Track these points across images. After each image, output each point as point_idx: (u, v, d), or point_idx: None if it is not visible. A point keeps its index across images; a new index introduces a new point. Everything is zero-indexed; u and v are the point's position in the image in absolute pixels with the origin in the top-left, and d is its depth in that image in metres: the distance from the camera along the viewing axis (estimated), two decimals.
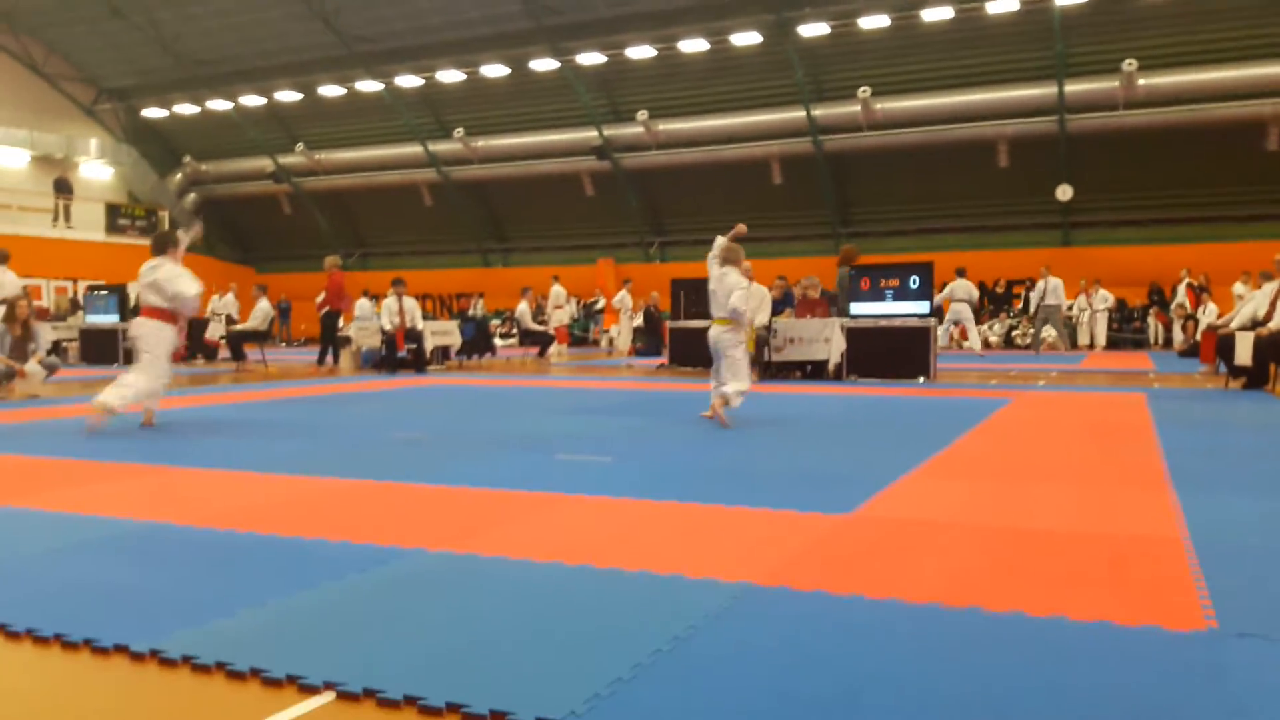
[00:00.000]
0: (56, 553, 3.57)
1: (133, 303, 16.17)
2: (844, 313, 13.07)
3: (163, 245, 8.12)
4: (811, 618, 2.73)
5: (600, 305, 26.95)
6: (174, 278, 7.85)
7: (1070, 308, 22.69)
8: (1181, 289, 20.94)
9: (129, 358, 17.56)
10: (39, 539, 3.79)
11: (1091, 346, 22.06)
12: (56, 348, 18.16)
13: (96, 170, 32.51)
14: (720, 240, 8.24)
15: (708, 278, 8.40)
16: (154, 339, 7.75)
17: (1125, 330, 22.97)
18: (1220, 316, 14.08)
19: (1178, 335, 20.53)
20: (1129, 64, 21.05)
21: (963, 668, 2.34)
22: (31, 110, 30.03)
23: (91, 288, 20.80)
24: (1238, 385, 10.83)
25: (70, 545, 3.68)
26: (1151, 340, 22.44)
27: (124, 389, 7.45)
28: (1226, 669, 2.35)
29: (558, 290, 22.98)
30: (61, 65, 30.99)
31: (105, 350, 17.97)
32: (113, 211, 30.57)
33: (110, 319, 18.18)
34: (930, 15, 21.71)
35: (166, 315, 7.90)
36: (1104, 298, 21.87)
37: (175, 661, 2.41)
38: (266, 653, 2.44)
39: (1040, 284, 19.78)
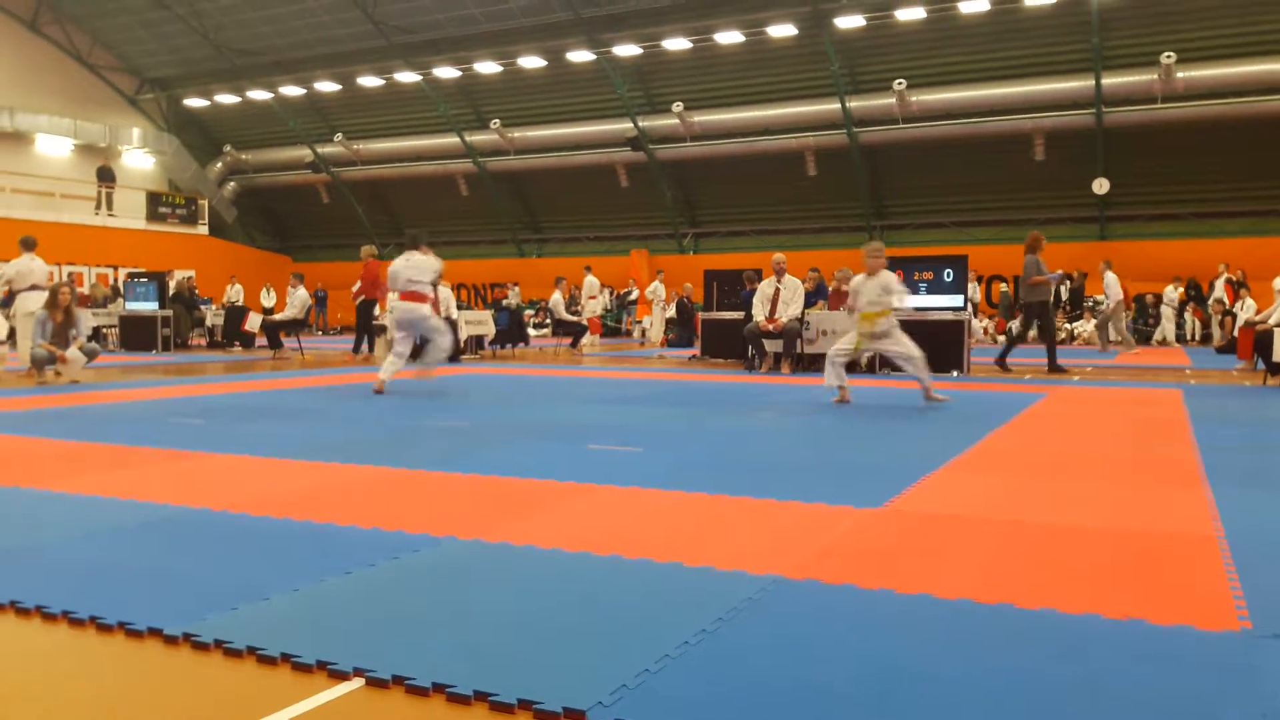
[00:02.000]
0: (93, 536, 3.63)
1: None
2: (1021, 302, 12.87)
3: (415, 241, 10.01)
4: (840, 612, 2.72)
5: (634, 296, 26.98)
6: (423, 267, 9.82)
7: (1103, 303, 22.39)
8: (1220, 284, 20.61)
9: (166, 344, 17.93)
10: (76, 522, 3.86)
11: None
12: (97, 334, 18.45)
13: (138, 159, 32.96)
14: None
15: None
16: (423, 314, 9.75)
17: (1138, 323, 22.64)
18: (1259, 313, 13.84)
19: (1215, 331, 20.21)
20: (1167, 56, 20.74)
21: (993, 664, 2.33)
22: (76, 100, 30.50)
23: (132, 275, 21.10)
24: (1276, 382, 10.66)
25: (106, 529, 3.74)
26: (1189, 336, 22.10)
27: (435, 354, 9.89)
28: (1260, 670, 2.31)
29: (591, 280, 23.03)
30: (105, 56, 31.43)
31: (145, 336, 18.23)
32: (154, 200, 30.98)
33: (150, 306, 18.42)
34: (967, 7, 21.51)
35: (420, 296, 9.72)
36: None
37: (208, 645, 2.45)
38: (297, 638, 2.47)
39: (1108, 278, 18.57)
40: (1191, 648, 2.45)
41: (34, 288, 12.85)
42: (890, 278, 8.80)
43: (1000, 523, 3.86)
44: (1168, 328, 21.79)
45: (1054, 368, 12.52)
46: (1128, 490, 4.55)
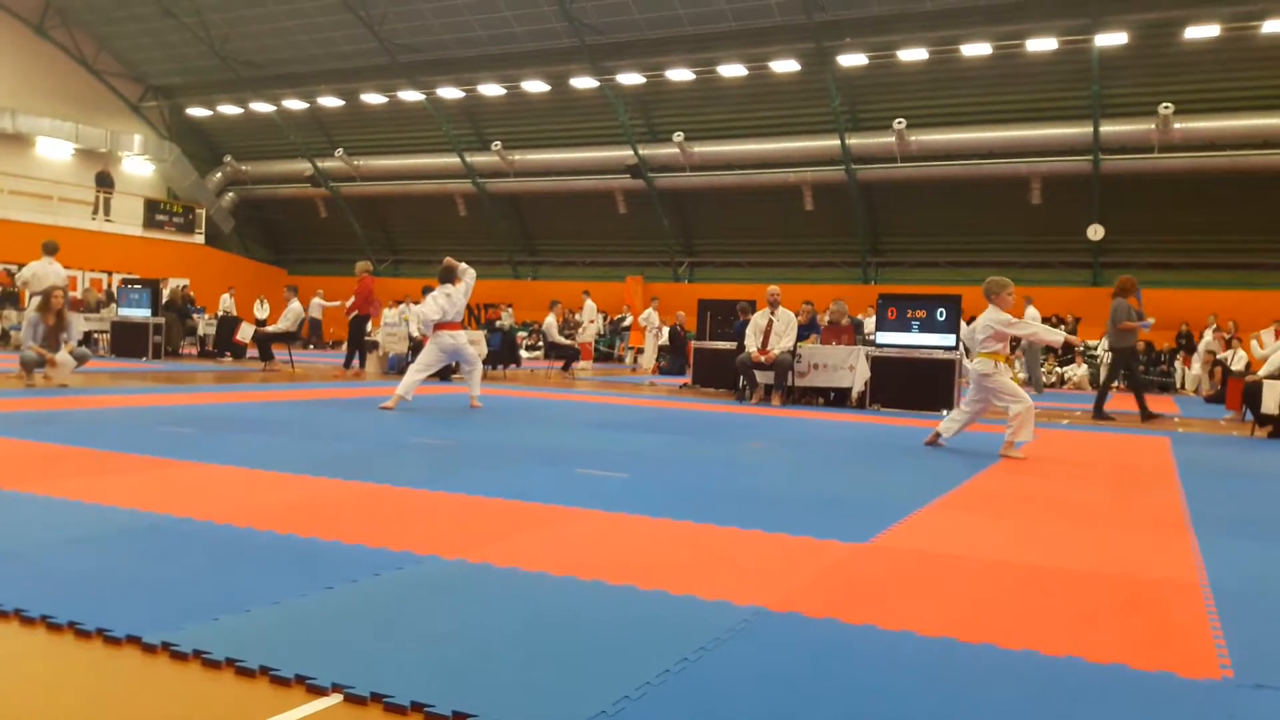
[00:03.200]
0: (75, 541, 3.61)
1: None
2: (1110, 347, 12.36)
3: (451, 275, 10.63)
4: (823, 645, 2.72)
5: (627, 322, 27.02)
6: (459, 296, 10.63)
7: (1097, 348, 22.52)
8: (1209, 334, 20.72)
9: (157, 352, 17.88)
10: (59, 527, 3.83)
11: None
12: (89, 339, 18.39)
13: (138, 166, 33.00)
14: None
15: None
16: (462, 343, 10.48)
17: (1152, 373, 22.75)
18: (1247, 364, 13.92)
19: (1204, 381, 20.29)
20: (1165, 107, 20.97)
21: (974, 704, 2.32)
22: (78, 104, 30.58)
23: (126, 281, 21.06)
24: (1263, 434, 10.70)
25: (89, 534, 3.72)
26: (1178, 384, 22.21)
27: (477, 378, 10.54)
28: (1239, 719, 2.31)
29: (590, 306, 23.07)
30: (110, 62, 31.54)
31: (136, 343, 18.16)
32: (151, 207, 31.01)
33: (143, 313, 18.36)
34: (969, 50, 21.75)
35: (459, 325, 10.56)
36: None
37: (186, 655, 2.43)
38: (277, 651, 2.45)
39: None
40: (1172, 694, 2.45)
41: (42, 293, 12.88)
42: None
43: (985, 562, 3.87)
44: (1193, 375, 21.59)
45: (1146, 415, 12.05)
46: (1113, 535, 4.55)
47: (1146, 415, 12.16)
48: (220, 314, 24.22)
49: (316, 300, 27.07)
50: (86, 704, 2.19)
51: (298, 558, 3.48)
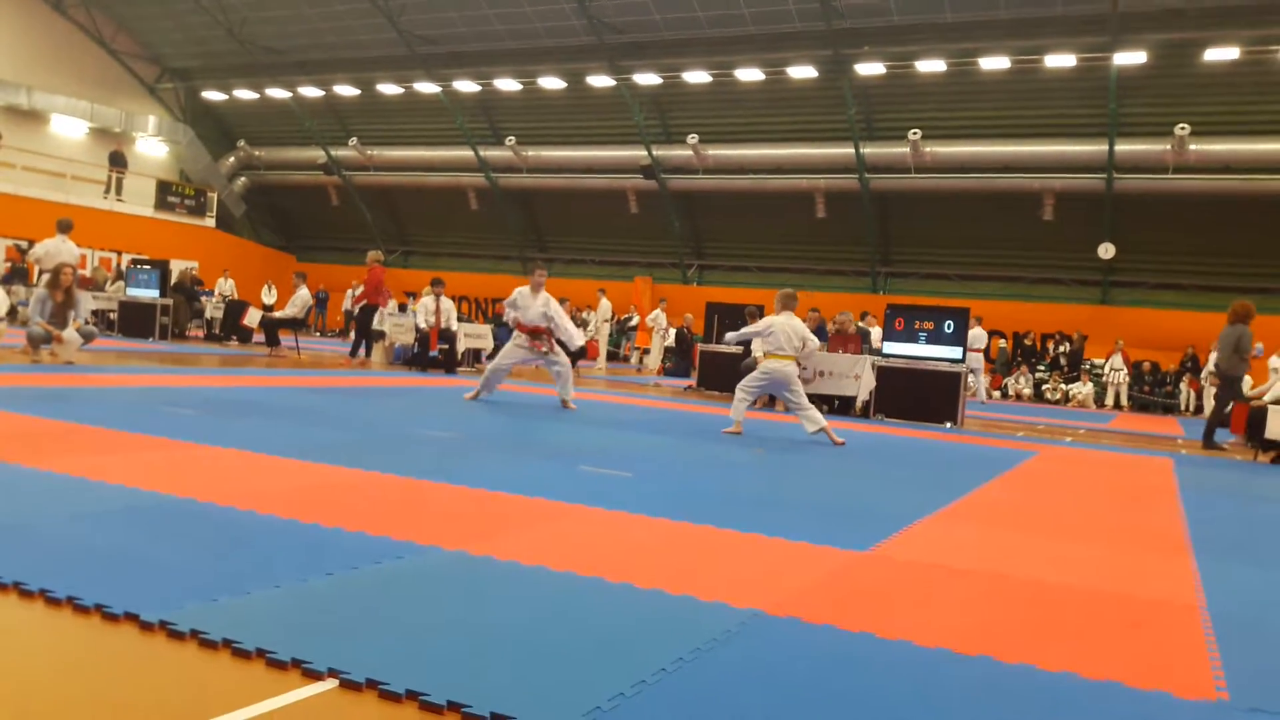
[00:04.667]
0: (77, 518, 3.61)
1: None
2: (1222, 373, 12.17)
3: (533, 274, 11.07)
4: (819, 651, 2.72)
5: (634, 322, 27.00)
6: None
7: (1103, 366, 22.52)
8: (1214, 357, 20.63)
9: (164, 333, 17.92)
10: (61, 502, 3.84)
11: (1118, 406, 21.92)
12: (99, 317, 18.44)
13: (152, 147, 33.08)
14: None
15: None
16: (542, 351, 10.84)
17: (1157, 394, 22.72)
18: (1254, 388, 13.88)
19: (1209, 404, 20.23)
20: (1182, 128, 20.91)
21: (968, 716, 2.32)
22: (95, 84, 30.65)
23: (135, 261, 21.11)
24: (1267, 459, 10.68)
25: (91, 511, 3.73)
26: (1183, 406, 22.17)
27: (567, 381, 10.66)
28: None
29: (605, 305, 23.05)
30: (128, 42, 31.62)
31: (143, 323, 18.20)
32: (163, 189, 31.06)
33: (151, 293, 18.39)
34: (987, 64, 21.73)
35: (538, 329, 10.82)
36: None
37: (183, 634, 2.44)
38: (274, 635, 2.46)
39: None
40: (1167, 714, 2.45)
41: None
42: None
43: (985, 575, 3.86)
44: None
45: (1209, 444, 11.91)
46: (1113, 553, 4.55)
47: (1209, 444, 11.93)
48: (217, 295, 24.35)
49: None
50: (82, 679, 2.19)
51: (299, 543, 3.49)
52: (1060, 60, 21.19)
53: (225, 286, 27.01)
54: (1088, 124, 22.52)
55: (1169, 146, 21.36)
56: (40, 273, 13.57)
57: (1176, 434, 14.16)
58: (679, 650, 2.59)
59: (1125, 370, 22.17)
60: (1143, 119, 22.06)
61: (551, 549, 3.67)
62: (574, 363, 19.44)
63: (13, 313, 15.36)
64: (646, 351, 25.07)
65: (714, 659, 2.56)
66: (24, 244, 24.57)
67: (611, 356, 26.85)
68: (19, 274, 22.10)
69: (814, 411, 8.86)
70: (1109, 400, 22.26)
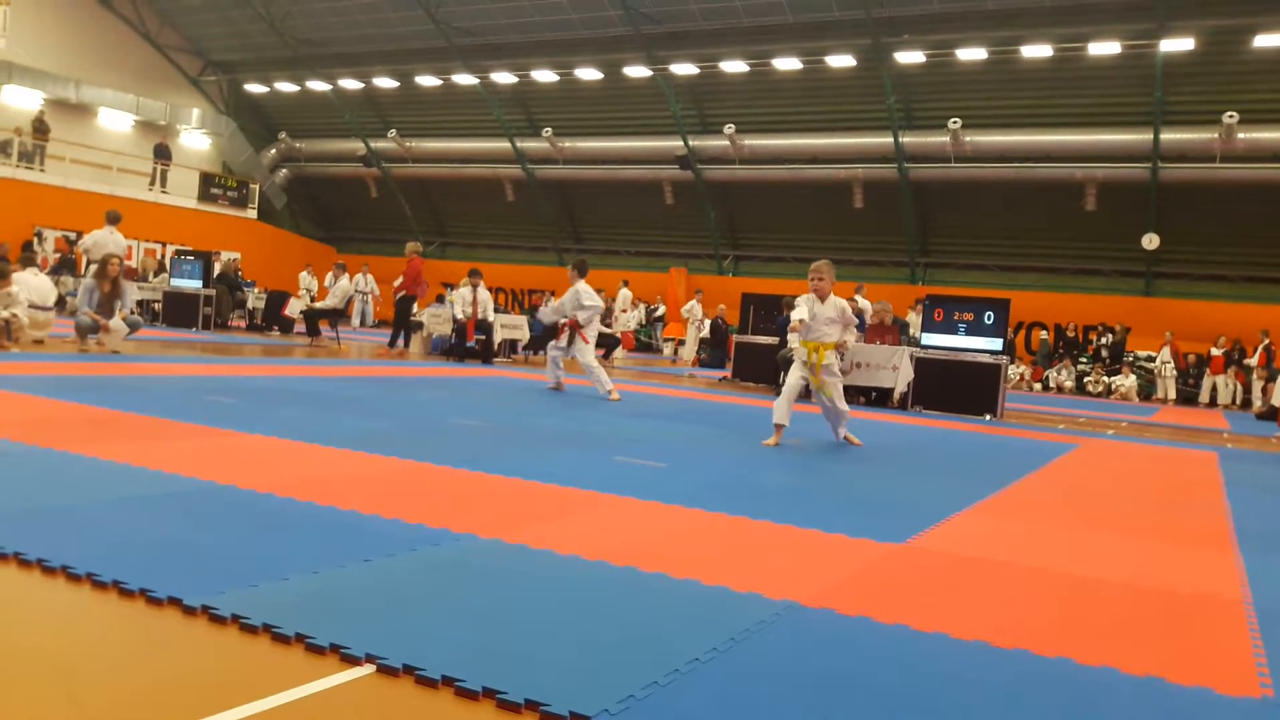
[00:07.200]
0: (121, 503, 3.68)
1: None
2: None
3: (584, 270, 11.27)
4: (854, 643, 2.70)
5: (660, 312, 26.93)
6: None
7: (1153, 359, 22.17)
8: (1260, 350, 20.28)
9: (207, 323, 18.16)
10: (106, 488, 3.91)
11: (1167, 400, 21.57)
12: (144, 308, 18.71)
13: (195, 139, 33.49)
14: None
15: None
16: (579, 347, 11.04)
17: (1200, 388, 22.33)
18: None
19: (1256, 397, 19.88)
20: (1230, 116, 20.51)
21: (1005, 708, 2.31)
22: (140, 77, 31.09)
23: (179, 252, 21.39)
24: None
25: (135, 497, 3.79)
26: (1202, 398, 21.72)
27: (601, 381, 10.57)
28: None
29: (625, 294, 23.08)
30: (172, 36, 32.02)
31: (187, 314, 18.46)
32: (206, 180, 31.44)
33: (194, 284, 18.64)
34: (1029, 51, 21.43)
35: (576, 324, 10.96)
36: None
37: (225, 619, 2.48)
38: (313, 620, 2.49)
39: None
40: (1209, 710, 2.41)
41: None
42: None
43: (1023, 568, 3.82)
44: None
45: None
46: (1155, 547, 4.49)
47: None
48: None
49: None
50: (127, 662, 2.24)
51: (337, 529, 3.53)
52: (1104, 48, 20.86)
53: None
54: (1132, 112, 22.16)
55: (1216, 135, 20.95)
56: (88, 263, 13.79)
57: (1222, 427, 13.92)
58: (713, 640, 2.59)
59: (1174, 363, 21.82)
60: (1189, 107, 21.65)
61: (585, 538, 3.68)
62: (608, 354, 19.53)
63: (61, 303, 15.63)
64: (682, 342, 25.06)
65: (748, 649, 2.56)
66: (73, 235, 24.98)
67: (645, 347, 26.86)
68: (67, 264, 22.49)
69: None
70: (1159, 394, 21.89)
